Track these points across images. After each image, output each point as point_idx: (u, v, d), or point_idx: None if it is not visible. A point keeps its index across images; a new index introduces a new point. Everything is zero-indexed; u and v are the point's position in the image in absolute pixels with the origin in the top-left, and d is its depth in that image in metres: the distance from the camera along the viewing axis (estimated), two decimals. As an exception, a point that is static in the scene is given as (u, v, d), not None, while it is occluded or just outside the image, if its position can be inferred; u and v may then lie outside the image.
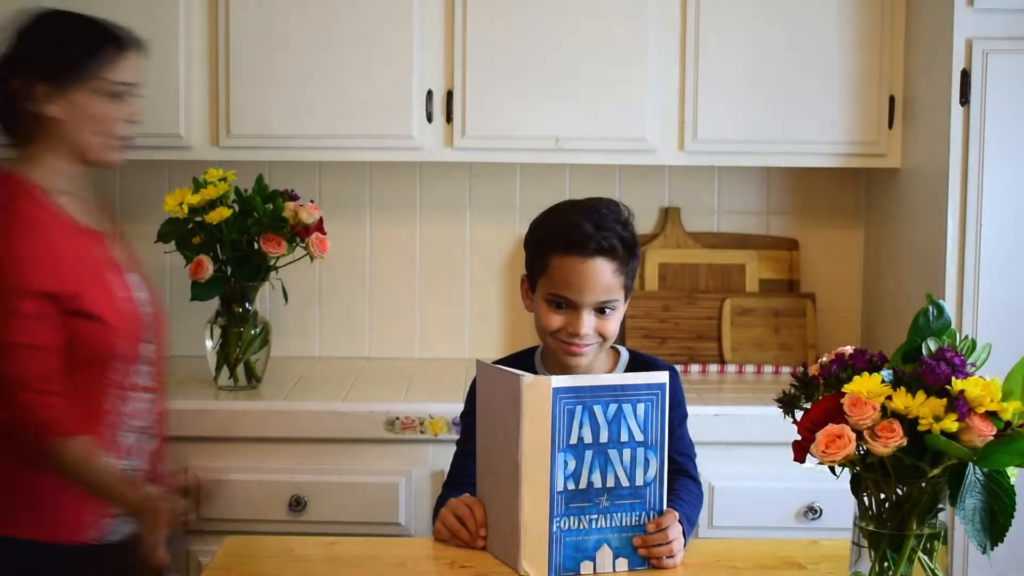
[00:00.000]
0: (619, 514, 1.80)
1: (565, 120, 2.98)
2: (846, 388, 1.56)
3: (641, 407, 1.79)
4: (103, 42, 2.13)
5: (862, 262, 3.35)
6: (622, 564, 1.81)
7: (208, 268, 2.80)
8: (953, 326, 1.64)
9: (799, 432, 1.62)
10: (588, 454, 1.77)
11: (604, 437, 1.78)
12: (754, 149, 3.02)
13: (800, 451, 1.61)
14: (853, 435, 1.53)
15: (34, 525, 2.07)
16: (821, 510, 2.71)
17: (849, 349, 1.67)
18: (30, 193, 2.10)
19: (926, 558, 1.58)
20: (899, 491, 1.59)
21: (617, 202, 2.10)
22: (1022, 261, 2.74)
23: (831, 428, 1.55)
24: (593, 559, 1.79)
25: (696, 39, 2.98)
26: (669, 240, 3.31)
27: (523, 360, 2.14)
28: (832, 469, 1.60)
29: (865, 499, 1.62)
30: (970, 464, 1.53)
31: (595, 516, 1.79)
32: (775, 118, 3.00)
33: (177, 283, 3.23)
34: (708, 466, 2.72)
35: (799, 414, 1.65)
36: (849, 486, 1.64)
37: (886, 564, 1.59)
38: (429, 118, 2.98)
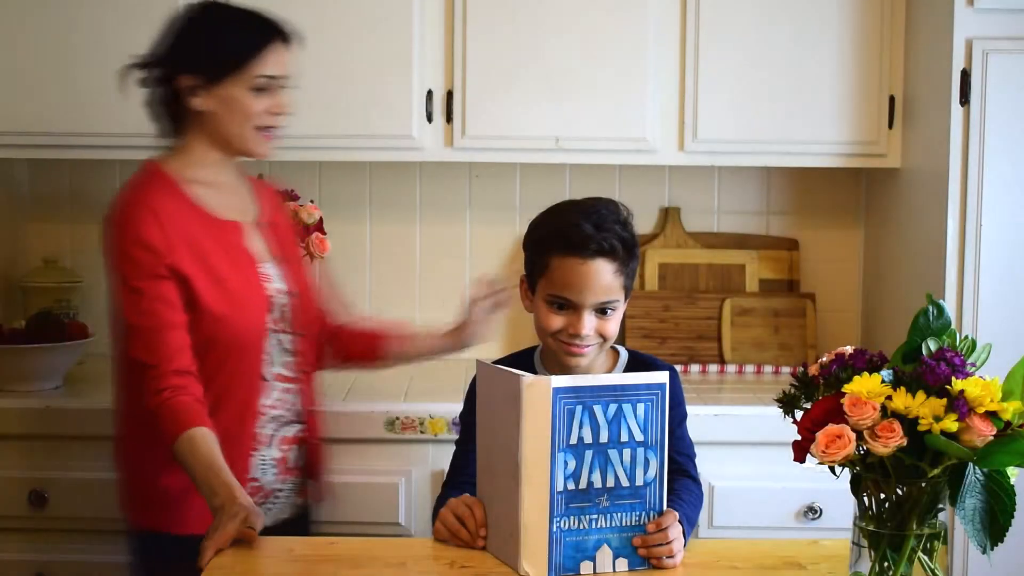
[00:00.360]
0: (619, 514, 1.80)
1: (565, 120, 2.98)
2: (846, 388, 1.56)
3: (641, 407, 1.79)
4: (252, 37, 2.18)
5: (862, 262, 3.35)
6: (622, 564, 1.80)
7: (208, 268, 2.80)
8: (953, 326, 1.64)
9: (799, 432, 1.62)
10: (588, 454, 1.77)
11: (604, 437, 1.78)
12: (754, 149, 3.02)
13: (800, 451, 1.61)
14: (853, 435, 1.53)
15: (171, 520, 2.12)
16: (821, 510, 2.71)
17: (849, 349, 1.66)
18: (162, 182, 2.18)
19: (926, 558, 1.58)
20: (899, 491, 1.59)
21: (617, 202, 2.09)
22: (1022, 261, 2.74)
23: (831, 428, 1.55)
24: (593, 559, 1.79)
25: (696, 39, 2.98)
26: (669, 240, 3.31)
27: (523, 360, 2.14)
28: (832, 469, 1.60)
29: (865, 499, 1.62)
30: (970, 464, 1.53)
31: (595, 516, 1.79)
32: (775, 118, 3.00)
33: (177, 283, 3.23)
34: (708, 466, 2.72)
35: (799, 414, 1.65)
36: (849, 486, 1.64)
37: (886, 564, 1.59)
38: (429, 118, 2.98)
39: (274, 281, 2.24)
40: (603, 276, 1.99)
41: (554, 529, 1.76)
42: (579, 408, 1.76)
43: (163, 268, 2.11)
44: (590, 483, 1.77)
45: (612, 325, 2.03)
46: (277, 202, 2.43)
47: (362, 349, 2.45)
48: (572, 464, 1.76)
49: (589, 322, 2.00)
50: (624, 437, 1.78)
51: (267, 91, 2.19)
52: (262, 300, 2.20)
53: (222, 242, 2.20)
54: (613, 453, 1.78)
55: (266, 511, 2.23)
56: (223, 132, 2.20)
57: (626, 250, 2.03)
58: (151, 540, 2.19)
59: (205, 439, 2.04)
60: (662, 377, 1.81)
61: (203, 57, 2.18)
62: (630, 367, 2.13)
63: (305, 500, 2.37)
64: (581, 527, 1.78)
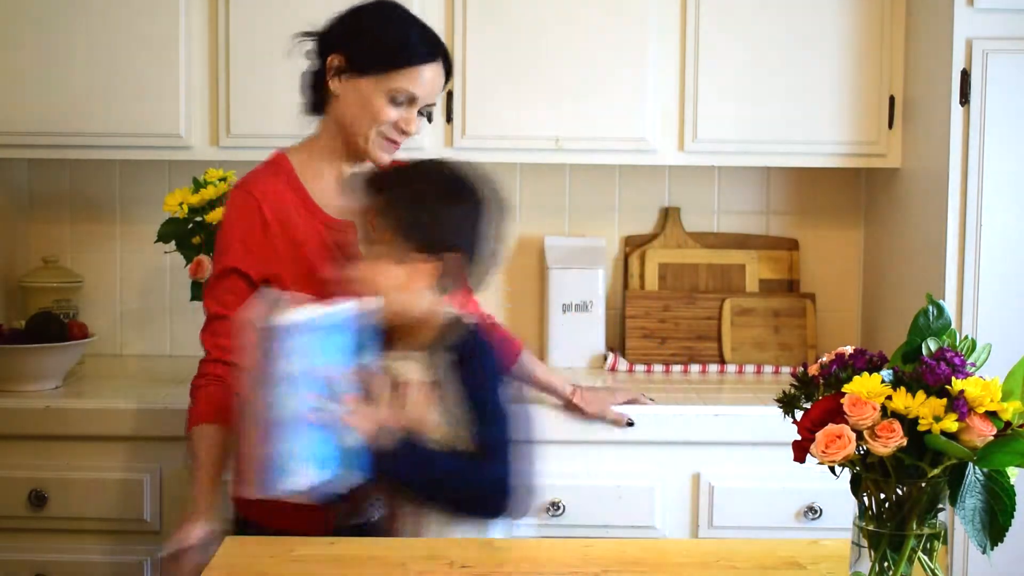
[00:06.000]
0: (325, 434, 1.89)
1: (565, 120, 2.98)
2: (846, 388, 1.56)
3: (340, 337, 1.90)
4: (408, 48, 2.16)
5: (862, 262, 3.35)
6: (327, 475, 1.89)
7: (208, 268, 2.80)
8: (953, 326, 1.64)
9: (799, 432, 1.62)
10: (312, 382, 1.86)
11: (309, 367, 1.86)
12: (754, 149, 3.02)
13: (800, 451, 1.61)
14: (853, 435, 1.53)
15: (262, 513, 2.14)
16: (821, 510, 2.71)
17: (849, 349, 1.66)
18: (281, 174, 2.23)
19: (926, 558, 1.58)
20: (899, 491, 1.59)
21: None
22: (1022, 261, 2.74)
23: (831, 428, 1.55)
24: (326, 476, 1.88)
25: (696, 39, 2.98)
26: (669, 240, 3.31)
27: None
28: (832, 469, 1.60)
29: (865, 499, 1.62)
30: (970, 464, 1.53)
31: (325, 436, 1.88)
32: (775, 118, 3.00)
33: (177, 283, 3.24)
34: (708, 466, 2.73)
35: (799, 414, 1.65)
36: (849, 486, 1.64)
37: (886, 564, 1.59)
38: (429, 118, 2.96)
39: None
40: None
41: (272, 453, 1.84)
42: (298, 342, 1.83)
43: (235, 263, 2.16)
44: (303, 409, 1.86)
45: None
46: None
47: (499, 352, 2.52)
48: (295, 394, 1.84)
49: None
50: (327, 365, 1.89)
51: (402, 104, 2.17)
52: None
53: (328, 240, 2.21)
54: (321, 381, 1.88)
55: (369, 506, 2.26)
56: (348, 124, 2.19)
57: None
58: (251, 530, 2.20)
59: (210, 439, 2.09)
60: (353, 308, 1.90)
61: (359, 43, 2.18)
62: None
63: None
64: (297, 450, 1.86)
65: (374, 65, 2.15)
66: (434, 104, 2.22)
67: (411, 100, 2.17)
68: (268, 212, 2.18)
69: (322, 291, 2.18)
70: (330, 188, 2.25)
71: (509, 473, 1.95)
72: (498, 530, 2.01)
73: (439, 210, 1.99)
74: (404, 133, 2.19)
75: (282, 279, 2.16)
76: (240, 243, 2.17)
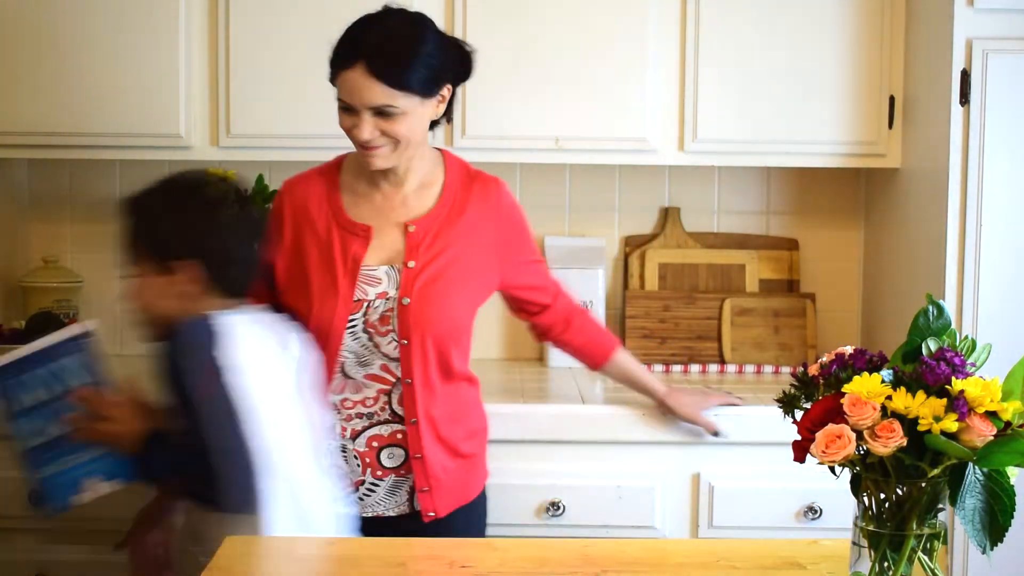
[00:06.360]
0: (94, 447, 2.02)
1: (565, 120, 2.98)
2: (846, 388, 1.56)
3: (74, 358, 2.01)
4: (339, 55, 2.19)
5: (862, 262, 3.35)
6: (113, 485, 2.05)
7: (208, 268, 2.80)
8: (953, 326, 1.64)
9: (799, 432, 1.62)
10: (45, 410, 1.99)
11: (51, 394, 2.00)
12: (754, 149, 3.02)
13: (800, 451, 1.61)
14: (853, 435, 1.53)
15: None
16: (821, 510, 2.71)
17: (849, 349, 1.66)
18: (328, 170, 2.33)
19: (926, 558, 1.58)
20: (899, 491, 1.59)
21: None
22: (1022, 261, 2.74)
23: (831, 428, 1.55)
24: (86, 490, 2.02)
25: (696, 39, 2.98)
26: (669, 240, 3.31)
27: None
28: (832, 469, 1.60)
29: (865, 499, 1.62)
30: (970, 464, 1.53)
31: (75, 455, 2.01)
32: (775, 118, 3.00)
33: (177, 283, 3.24)
34: (708, 466, 2.73)
35: (799, 414, 1.65)
36: (849, 486, 1.64)
37: (886, 564, 1.59)
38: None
39: (382, 285, 2.26)
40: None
41: (43, 477, 2.00)
42: (15, 381, 1.98)
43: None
44: (57, 432, 2.00)
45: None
46: (476, 197, 2.40)
47: (593, 347, 2.56)
48: (34, 424, 1.99)
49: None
50: (72, 384, 2.00)
51: (354, 112, 2.18)
52: (341, 302, 2.23)
53: (335, 240, 2.26)
54: (67, 402, 2.02)
55: (358, 500, 2.30)
56: None
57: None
58: None
59: None
60: (80, 329, 2.03)
61: None
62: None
63: (412, 503, 2.34)
64: (65, 467, 2.00)
65: (330, 76, 2.22)
66: (389, 106, 2.17)
67: (351, 106, 2.18)
68: (287, 204, 2.27)
69: (309, 286, 2.24)
70: (362, 189, 2.30)
71: (206, 468, 1.98)
72: (243, 527, 2.02)
73: (164, 220, 2.04)
74: (359, 140, 2.20)
75: (276, 269, 2.25)
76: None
